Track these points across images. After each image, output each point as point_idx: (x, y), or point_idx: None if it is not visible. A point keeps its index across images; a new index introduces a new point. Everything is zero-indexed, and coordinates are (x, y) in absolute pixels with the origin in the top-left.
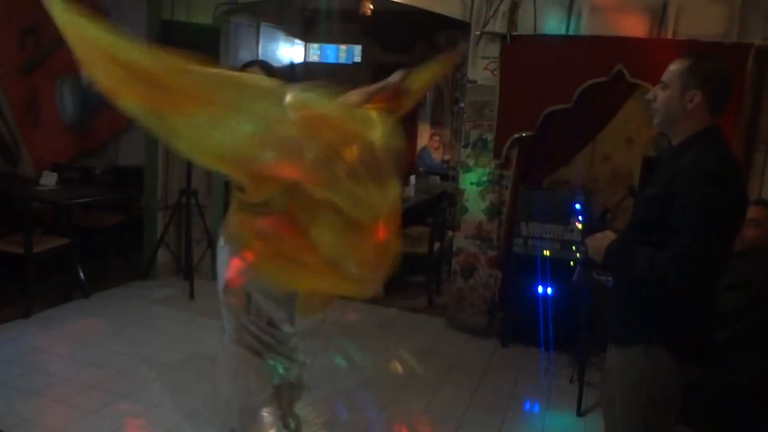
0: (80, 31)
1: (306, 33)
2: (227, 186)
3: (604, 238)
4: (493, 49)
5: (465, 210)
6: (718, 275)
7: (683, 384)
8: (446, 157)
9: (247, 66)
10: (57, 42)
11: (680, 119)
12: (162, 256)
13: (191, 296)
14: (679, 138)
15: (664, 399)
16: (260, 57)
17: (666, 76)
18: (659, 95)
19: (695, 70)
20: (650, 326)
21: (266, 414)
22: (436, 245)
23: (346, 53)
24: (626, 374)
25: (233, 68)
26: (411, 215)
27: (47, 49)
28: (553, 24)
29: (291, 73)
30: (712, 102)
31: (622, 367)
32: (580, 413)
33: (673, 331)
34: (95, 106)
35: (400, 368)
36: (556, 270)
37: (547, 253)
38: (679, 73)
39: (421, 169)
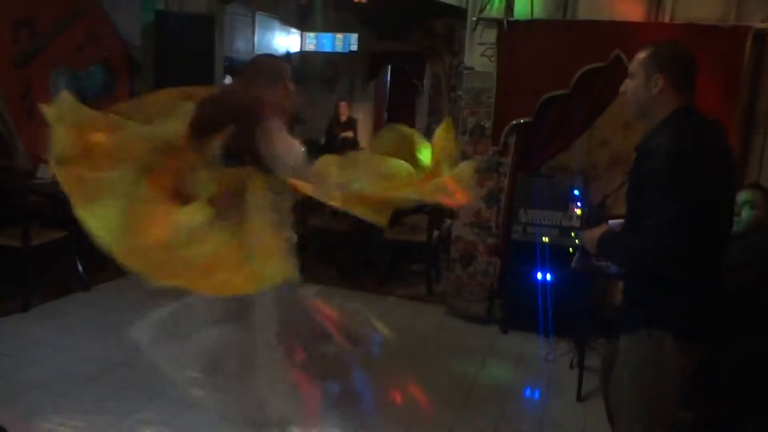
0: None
1: (302, 22)
2: None
3: (598, 229)
4: (490, 36)
5: None
6: (701, 252)
7: (687, 369)
8: None
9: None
10: (51, 34)
11: (650, 105)
12: None
13: None
14: (653, 124)
15: (668, 384)
16: (256, 46)
17: (631, 67)
18: (628, 86)
19: (655, 56)
20: (652, 310)
21: None
22: (435, 233)
23: (342, 42)
24: (631, 359)
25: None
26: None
27: (41, 41)
28: (550, 9)
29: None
30: (676, 83)
31: (627, 352)
32: (580, 398)
33: (675, 315)
34: (91, 98)
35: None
36: (555, 256)
37: (545, 239)
38: (642, 61)
39: None
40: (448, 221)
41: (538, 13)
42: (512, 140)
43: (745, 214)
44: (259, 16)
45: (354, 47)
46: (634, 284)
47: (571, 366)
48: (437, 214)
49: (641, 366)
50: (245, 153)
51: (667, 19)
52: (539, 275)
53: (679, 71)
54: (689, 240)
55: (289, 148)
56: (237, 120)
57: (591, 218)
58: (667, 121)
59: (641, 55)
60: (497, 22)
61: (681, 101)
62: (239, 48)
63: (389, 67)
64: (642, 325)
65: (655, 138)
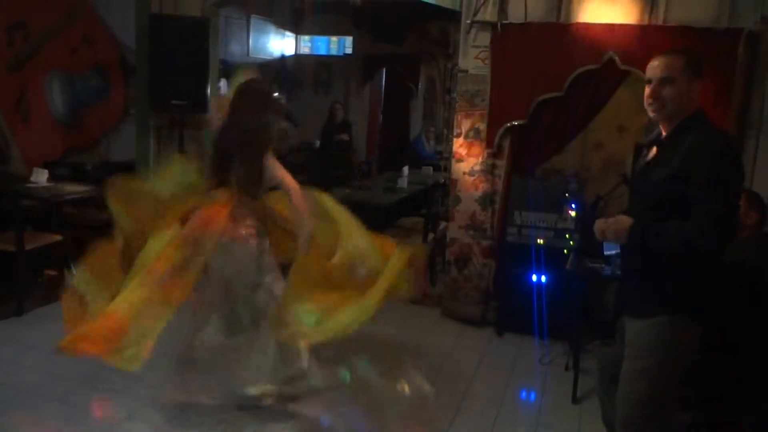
0: None
1: (297, 25)
2: None
3: (622, 221)
4: (484, 38)
5: (458, 200)
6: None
7: (693, 348)
8: (439, 148)
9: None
10: (45, 37)
11: (684, 109)
12: None
13: None
14: (674, 124)
15: (674, 367)
16: (251, 50)
17: (668, 72)
18: (666, 91)
19: (693, 63)
20: (673, 296)
21: None
22: (430, 236)
23: (337, 45)
24: (644, 339)
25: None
26: (404, 206)
27: (36, 45)
28: (543, 12)
29: (281, 66)
30: (701, 89)
31: (642, 333)
32: (576, 401)
33: (693, 298)
34: (85, 101)
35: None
36: (549, 258)
37: (540, 241)
38: (682, 68)
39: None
40: (443, 224)
41: (532, 15)
42: (506, 143)
43: None
44: (254, 20)
45: (349, 50)
46: (655, 272)
47: (566, 368)
48: (432, 217)
49: (656, 348)
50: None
51: (660, 22)
52: (534, 277)
53: (703, 77)
54: (731, 230)
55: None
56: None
57: (585, 220)
58: (690, 120)
59: (679, 61)
60: (491, 25)
61: (698, 103)
62: (234, 51)
63: (384, 70)
64: (662, 311)
65: (690, 135)
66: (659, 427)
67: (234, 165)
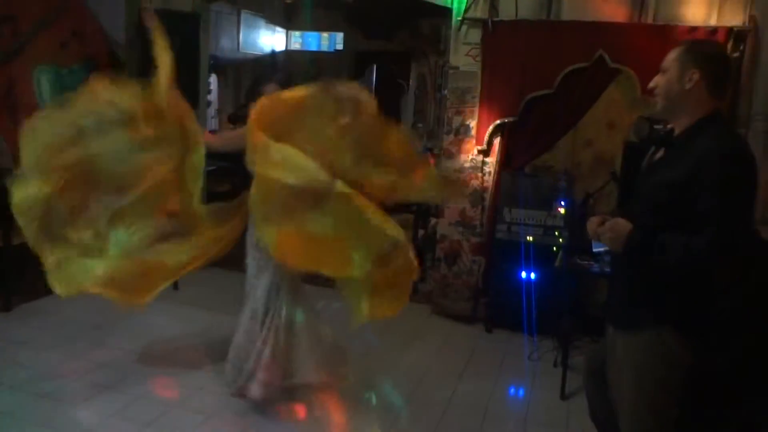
0: None
1: (288, 20)
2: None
3: (620, 226)
4: (475, 35)
5: None
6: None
7: (687, 363)
8: (429, 144)
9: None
10: (34, 31)
11: (681, 101)
12: None
13: (175, 287)
14: (685, 123)
15: (671, 381)
16: (241, 45)
17: (664, 63)
18: (659, 81)
19: (692, 52)
20: (663, 309)
21: None
22: (420, 232)
23: (328, 41)
24: (636, 357)
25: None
26: (394, 202)
27: (24, 39)
28: (534, 9)
29: (272, 62)
30: (711, 81)
31: (633, 351)
32: (564, 397)
33: (686, 313)
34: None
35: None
36: (539, 256)
37: (530, 238)
38: (677, 56)
39: None
40: (433, 220)
41: (523, 13)
42: (497, 140)
43: None
44: (245, 15)
45: (340, 46)
46: (646, 283)
47: (554, 365)
48: (423, 213)
49: (648, 364)
50: None
51: (650, 20)
52: (523, 274)
53: (715, 70)
54: (741, 243)
55: None
56: None
57: (574, 217)
58: (707, 121)
59: (676, 50)
60: (482, 22)
61: (714, 104)
62: (224, 46)
63: (375, 66)
64: (651, 325)
65: (700, 138)
66: None
67: None
